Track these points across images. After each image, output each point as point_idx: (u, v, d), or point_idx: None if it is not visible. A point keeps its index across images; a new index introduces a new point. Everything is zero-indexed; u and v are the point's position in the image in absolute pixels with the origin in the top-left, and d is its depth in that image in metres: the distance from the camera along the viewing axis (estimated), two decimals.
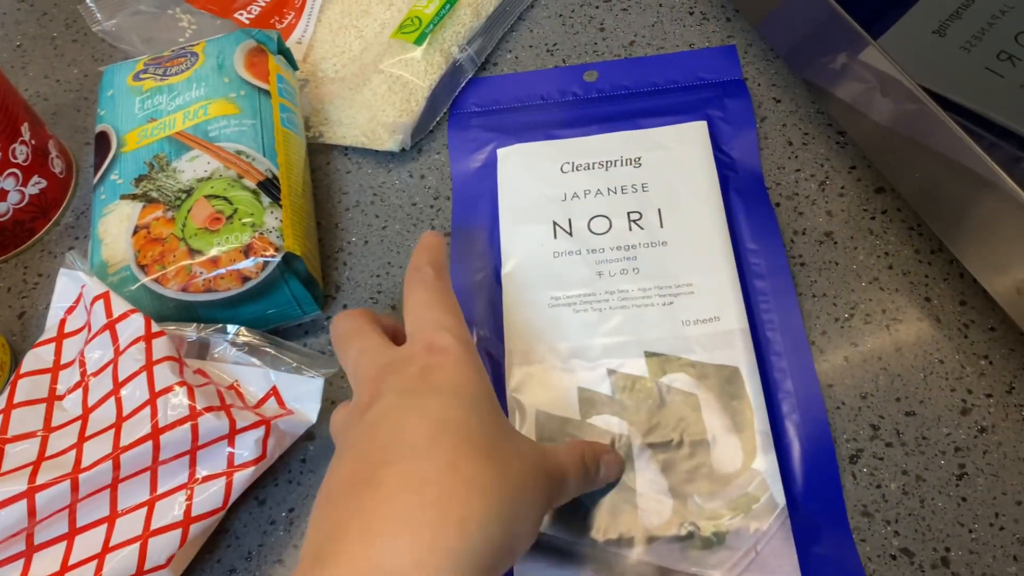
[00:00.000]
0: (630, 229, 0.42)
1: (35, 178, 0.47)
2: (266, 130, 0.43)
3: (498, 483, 0.27)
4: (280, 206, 0.41)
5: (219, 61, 0.45)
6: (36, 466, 0.34)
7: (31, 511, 0.33)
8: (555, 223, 0.43)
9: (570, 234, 0.42)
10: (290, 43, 0.52)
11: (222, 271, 0.39)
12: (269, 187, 0.41)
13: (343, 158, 0.49)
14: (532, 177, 0.45)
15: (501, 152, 0.46)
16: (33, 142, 0.46)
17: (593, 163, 0.44)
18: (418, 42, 0.49)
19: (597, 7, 0.53)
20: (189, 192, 0.41)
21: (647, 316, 0.40)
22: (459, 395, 0.29)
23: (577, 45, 0.51)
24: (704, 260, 0.41)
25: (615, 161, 0.44)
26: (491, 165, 0.46)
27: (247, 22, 0.52)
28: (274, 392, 0.39)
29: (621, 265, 0.41)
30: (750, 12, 0.47)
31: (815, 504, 0.35)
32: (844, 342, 0.40)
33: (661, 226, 0.42)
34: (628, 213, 0.42)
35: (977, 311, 0.40)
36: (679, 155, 0.44)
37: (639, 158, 0.44)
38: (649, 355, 0.39)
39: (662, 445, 0.37)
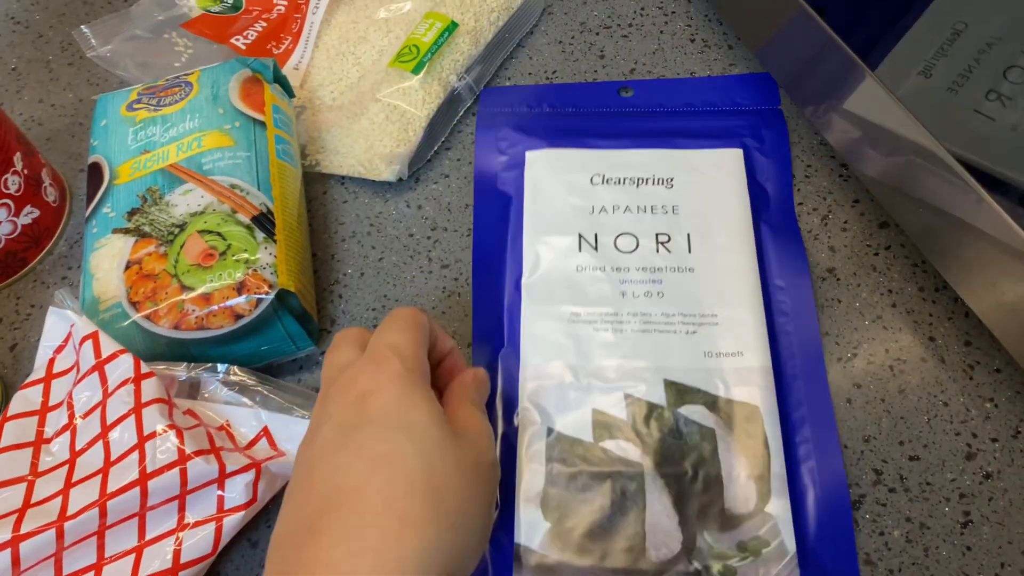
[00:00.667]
0: (657, 251, 0.41)
1: (28, 208, 0.46)
2: (261, 163, 0.43)
3: (433, 515, 0.28)
4: (274, 241, 0.40)
5: (214, 91, 0.45)
6: (21, 514, 0.34)
7: (15, 560, 0.32)
8: (581, 236, 0.42)
9: (595, 249, 0.42)
10: (287, 69, 0.52)
11: (215, 308, 0.39)
12: (263, 222, 0.41)
13: (340, 187, 0.49)
14: (561, 185, 0.44)
15: (530, 155, 0.46)
16: (26, 172, 0.46)
17: (624, 178, 0.44)
18: (415, 71, 0.48)
19: (597, 34, 0.52)
20: (182, 227, 0.40)
21: (669, 343, 0.39)
22: (392, 425, 0.29)
23: (577, 73, 0.51)
24: (731, 292, 0.40)
25: (647, 179, 0.44)
26: (518, 166, 0.46)
27: (243, 48, 0.52)
28: (265, 433, 0.38)
29: (646, 287, 0.41)
30: (750, 39, 0.47)
31: (826, 555, 0.35)
32: (847, 383, 0.39)
33: (689, 251, 0.41)
34: (656, 234, 0.42)
35: (982, 351, 0.39)
36: (713, 181, 0.43)
37: (672, 179, 0.44)
38: (668, 384, 0.38)
39: (675, 477, 0.36)
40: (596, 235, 0.42)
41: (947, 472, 0.36)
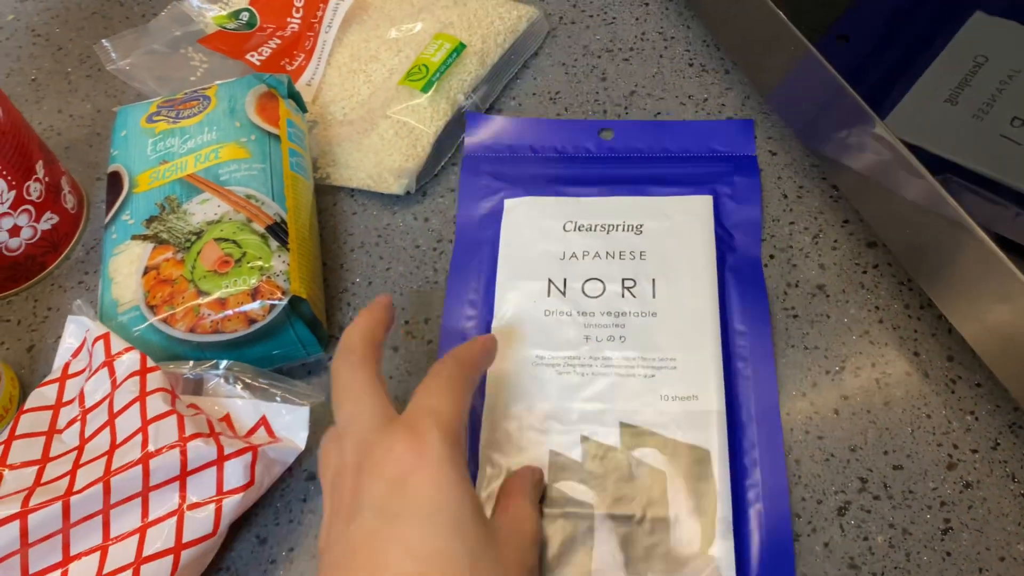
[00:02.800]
0: (623, 296, 0.43)
1: (48, 214, 0.48)
2: (275, 174, 0.44)
3: None
4: (288, 250, 0.42)
5: (231, 105, 0.46)
6: (31, 491, 0.35)
7: (23, 532, 0.34)
8: (551, 281, 0.44)
9: (563, 294, 0.43)
10: (300, 85, 0.54)
11: (229, 313, 0.40)
12: (277, 231, 0.42)
13: (349, 199, 0.51)
14: (535, 232, 0.45)
15: (508, 203, 0.47)
16: (47, 179, 0.47)
17: (595, 225, 0.45)
18: (425, 89, 0.50)
19: (599, 56, 0.55)
20: (199, 234, 0.42)
21: (628, 386, 0.40)
22: (440, 519, 0.29)
23: (579, 94, 0.53)
24: (690, 336, 0.41)
25: (617, 225, 0.45)
26: (497, 214, 0.47)
27: (258, 64, 0.54)
28: (263, 422, 0.40)
29: (609, 331, 0.42)
30: (747, 66, 0.49)
31: None
32: (835, 394, 0.41)
33: (653, 296, 0.42)
34: (623, 279, 0.43)
35: (964, 367, 0.41)
36: (681, 227, 0.45)
37: (641, 225, 0.45)
38: (624, 426, 0.39)
39: (624, 519, 0.37)
40: (565, 280, 0.43)
41: (929, 481, 0.38)
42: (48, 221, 0.48)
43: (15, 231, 0.46)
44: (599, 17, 0.56)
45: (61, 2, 0.63)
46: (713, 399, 0.39)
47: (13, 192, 0.45)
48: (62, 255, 0.50)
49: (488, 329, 0.43)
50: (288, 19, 0.56)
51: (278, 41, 0.55)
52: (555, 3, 0.57)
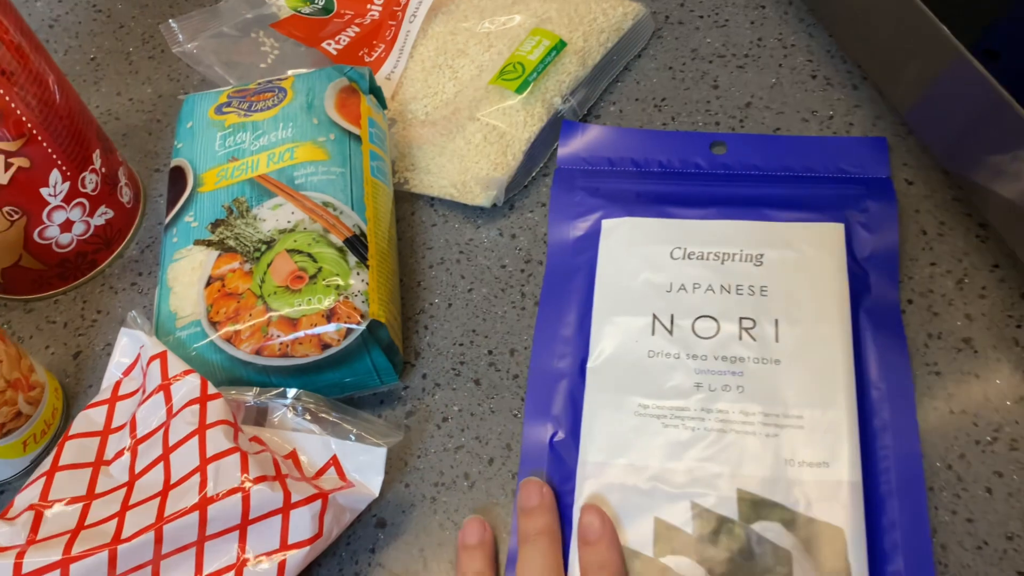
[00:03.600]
0: (740, 338, 0.37)
1: (102, 208, 0.44)
2: (355, 180, 0.40)
3: None
4: (367, 266, 0.38)
5: (309, 99, 0.42)
6: (74, 535, 0.31)
7: None
8: (655, 316, 0.38)
9: (670, 332, 0.38)
10: (378, 78, 0.49)
11: (300, 334, 0.36)
12: (356, 244, 0.38)
13: (429, 209, 0.46)
14: (638, 259, 0.40)
15: (607, 224, 0.42)
16: (103, 170, 0.43)
17: (708, 252, 0.40)
18: (519, 91, 0.45)
19: (710, 61, 0.49)
20: (270, 244, 0.38)
21: (746, 446, 0.35)
22: None
23: (688, 102, 0.48)
24: (820, 390, 0.36)
25: (733, 254, 0.39)
26: (593, 235, 0.42)
27: (335, 53, 0.49)
28: (334, 462, 0.35)
29: (724, 380, 0.36)
30: (881, 79, 0.43)
31: None
32: (987, 470, 0.35)
33: (776, 340, 0.37)
34: (740, 318, 0.38)
35: None
36: (808, 260, 0.39)
37: (761, 255, 0.39)
38: (742, 494, 0.34)
39: None
40: (672, 316, 0.38)
41: None
42: (102, 216, 0.44)
43: (67, 226, 0.42)
44: (710, 18, 0.51)
45: None
46: (847, 467, 0.34)
47: (67, 184, 0.41)
48: (115, 253, 0.46)
49: (583, 370, 0.38)
50: (368, 5, 0.52)
51: (356, 29, 0.51)
52: (661, 1, 0.52)
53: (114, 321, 0.44)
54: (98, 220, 0.44)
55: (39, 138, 0.39)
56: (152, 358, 0.35)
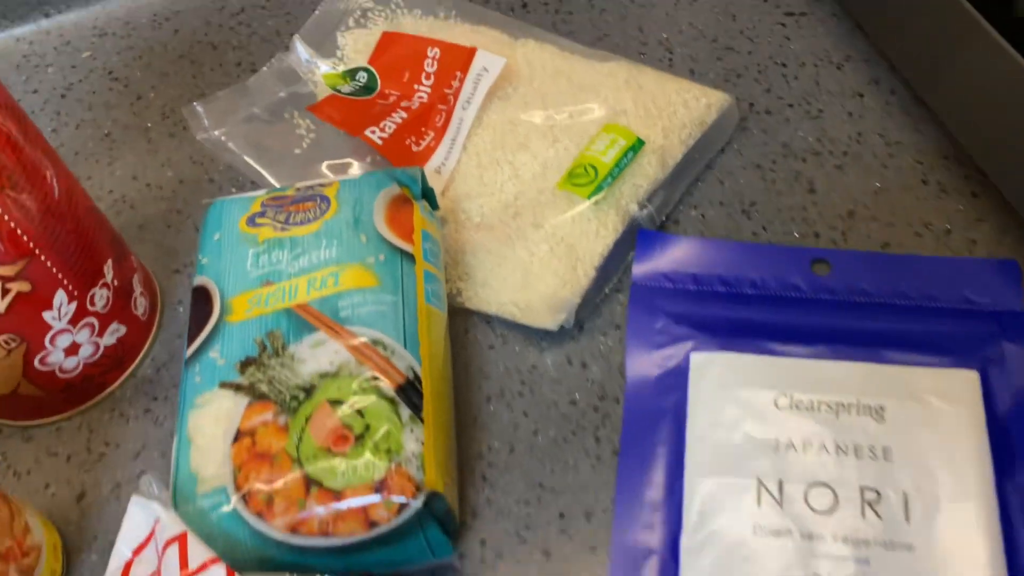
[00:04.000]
0: (863, 514, 0.31)
1: (113, 325, 0.38)
2: (408, 309, 0.34)
3: None
4: (421, 420, 0.32)
5: (356, 212, 0.36)
6: None
7: None
8: (761, 481, 0.32)
9: (779, 503, 0.32)
10: (427, 170, 0.43)
11: (343, 508, 0.30)
12: (410, 392, 0.32)
13: (484, 327, 0.40)
14: (736, 406, 0.34)
15: (696, 358, 0.36)
16: (116, 283, 0.38)
17: (820, 402, 0.34)
18: (591, 196, 0.39)
19: (804, 160, 0.43)
20: (309, 392, 0.32)
21: None
22: None
23: (781, 208, 0.42)
24: None
25: (850, 406, 0.33)
26: (680, 372, 0.36)
27: (379, 143, 0.44)
28: None
29: (847, 569, 0.30)
30: (1001, 175, 0.37)
31: None
32: None
33: (907, 519, 0.31)
34: (862, 488, 0.32)
35: None
36: (937, 415, 0.33)
37: (882, 408, 0.33)
38: None
39: None
40: (781, 482, 0.32)
41: None
42: (113, 334, 0.38)
43: (72, 349, 0.37)
44: (800, 107, 0.45)
45: (145, 41, 0.54)
46: None
47: (74, 304, 0.36)
48: (127, 372, 0.40)
49: (676, 547, 0.32)
50: (416, 86, 0.46)
51: (404, 115, 0.45)
52: (742, 86, 0.46)
53: (125, 456, 0.38)
54: (108, 339, 0.38)
55: (41, 257, 0.34)
56: (169, 541, 0.29)
